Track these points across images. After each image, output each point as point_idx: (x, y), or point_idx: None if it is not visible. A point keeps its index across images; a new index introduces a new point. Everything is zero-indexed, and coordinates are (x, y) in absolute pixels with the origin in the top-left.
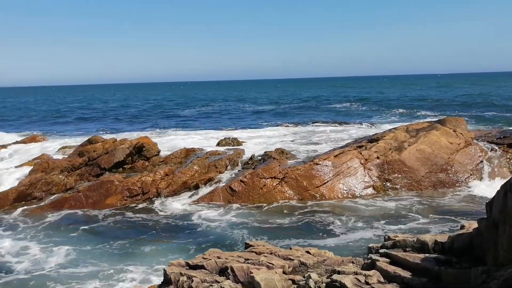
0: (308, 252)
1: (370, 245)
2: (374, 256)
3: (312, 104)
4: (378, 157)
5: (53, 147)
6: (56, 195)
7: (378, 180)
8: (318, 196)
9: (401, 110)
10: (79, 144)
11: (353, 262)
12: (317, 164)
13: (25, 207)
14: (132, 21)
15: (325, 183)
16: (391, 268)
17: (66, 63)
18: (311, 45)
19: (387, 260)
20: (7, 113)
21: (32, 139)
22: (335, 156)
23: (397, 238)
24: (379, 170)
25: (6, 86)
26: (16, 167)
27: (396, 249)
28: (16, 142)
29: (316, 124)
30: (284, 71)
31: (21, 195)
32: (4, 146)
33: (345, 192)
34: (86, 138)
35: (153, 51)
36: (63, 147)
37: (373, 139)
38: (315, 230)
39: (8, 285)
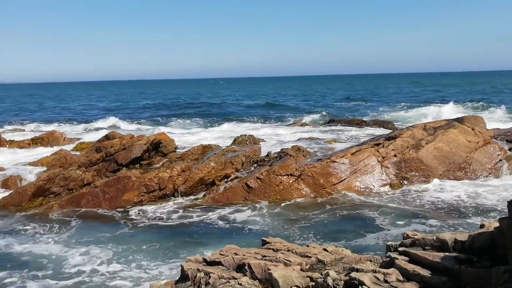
0: (325, 249)
1: (389, 243)
2: (392, 254)
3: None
4: (395, 155)
5: None
6: (73, 190)
7: (395, 178)
8: (334, 193)
9: None
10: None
11: (370, 260)
12: (334, 161)
13: (44, 202)
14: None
15: (342, 181)
16: (410, 267)
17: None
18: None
19: (406, 258)
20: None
21: (50, 135)
22: (352, 154)
23: (416, 237)
24: (396, 168)
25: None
26: (33, 162)
27: (415, 248)
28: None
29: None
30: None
31: (40, 190)
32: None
33: (362, 189)
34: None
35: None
36: (81, 143)
37: (390, 137)
38: (331, 227)
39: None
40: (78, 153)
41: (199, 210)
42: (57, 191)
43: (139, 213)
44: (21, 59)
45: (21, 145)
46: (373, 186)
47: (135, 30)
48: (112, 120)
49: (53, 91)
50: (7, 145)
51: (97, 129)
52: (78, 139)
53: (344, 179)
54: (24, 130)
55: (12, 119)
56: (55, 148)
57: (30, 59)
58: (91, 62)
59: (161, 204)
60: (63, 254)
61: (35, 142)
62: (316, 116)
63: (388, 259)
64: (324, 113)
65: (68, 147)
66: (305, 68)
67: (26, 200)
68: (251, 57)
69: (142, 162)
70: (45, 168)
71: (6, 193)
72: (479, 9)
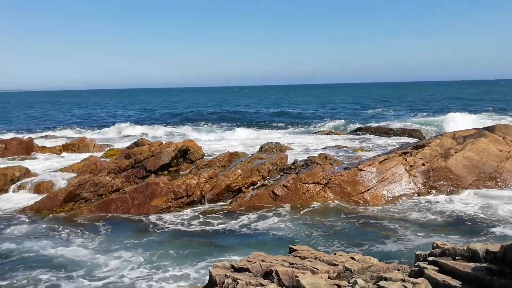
0: (352, 258)
1: (418, 252)
2: (422, 264)
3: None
4: (423, 164)
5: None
6: (103, 196)
7: (423, 187)
8: (361, 202)
9: None
10: None
11: (398, 269)
12: (361, 170)
13: (74, 207)
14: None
15: (369, 190)
16: (440, 277)
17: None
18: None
19: (436, 268)
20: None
21: (81, 141)
22: (380, 162)
23: (445, 246)
24: (424, 177)
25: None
26: (64, 168)
27: (444, 257)
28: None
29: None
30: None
31: (70, 195)
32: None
33: (389, 198)
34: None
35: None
36: (110, 150)
37: (418, 146)
38: (357, 235)
39: None
40: (107, 159)
41: (225, 217)
42: (87, 196)
43: (166, 219)
44: (48, 67)
45: (52, 151)
46: (401, 195)
47: (156, 40)
48: (139, 128)
49: (81, 98)
50: (39, 151)
51: (127, 136)
52: (108, 145)
53: (371, 187)
54: (55, 137)
55: (43, 125)
56: (85, 155)
57: (56, 67)
58: (115, 71)
59: (188, 210)
60: (93, 258)
61: (66, 148)
62: (342, 125)
63: (417, 268)
64: (350, 121)
65: (98, 154)
66: (325, 76)
67: (58, 205)
68: (268, 66)
69: (170, 169)
70: (75, 174)
71: (39, 198)
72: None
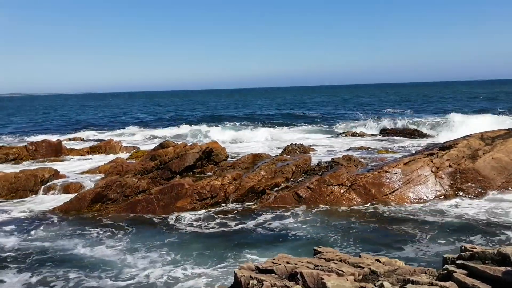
0: (378, 260)
1: (446, 255)
2: (450, 267)
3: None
4: (450, 165)
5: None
6: (129, 197)
7: (450, 189)
8: (386, 204)
9: None
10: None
11: (425, 273)
12: (386, 171)
13: (101, 207)
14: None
15: (394, 191)
16: (469, 280)
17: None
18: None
19: (465, 272)
20: None
21: (108, 143)
22: (405, 163)
23: (475, 250)
24: (451, 178)
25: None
26: (91, 169)
27: (474, 261)
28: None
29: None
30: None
31: (98, 196)
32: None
33: (415, 200)
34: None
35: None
36: (136, 151)
37: (444, 147)
38: (383, 238)
39: None
40: (133, 161)
41: (249, 218)
42: (114, 197)
43: (191, 219)
44: (76, 71)
45: (80, 153)
46: (427, 197)
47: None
48: (166, 130)
49: (107, 100)
50: (68, 153)
51: (153, 137)
52: (134, 147)
53: (397, 189)
54: (82, 139)
55: (71, 128)
56: (112, 156)
57: (82, 71)
58: (139, 73)
59: (212, 211)
60: (119, 257)
61: (93, 150)
62: (366, 125)
63: (445, 272)
64: (373, 122)
65: (124, 155)
66: (346, 77)
67: (85, 205)
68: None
69: (194, 170)
70: (102, 176)
71: (67, 199)
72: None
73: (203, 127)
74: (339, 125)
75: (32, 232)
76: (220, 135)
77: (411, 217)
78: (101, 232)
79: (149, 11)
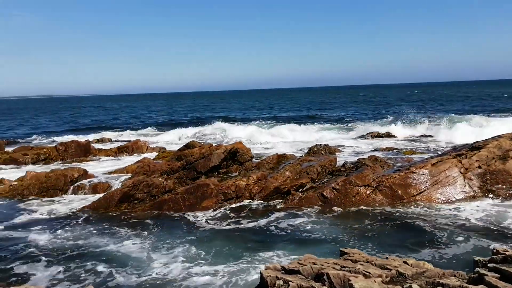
0: (405, 262)
1: (476, 258)
2: (481, 270)
3: None
4: (479, 166)
5: None
6: (156, 196)
7: (479, 190)
8: (413, 205)
9: None
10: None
11: (455, 276)
12: (413, 172)
13: (128, 207)
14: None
15: (421, 192)
16: (502, 284)
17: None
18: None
19: (497, 275)
20: None
21: (135, 144)
22: (433, 164)
23: (507, 253)
24: (480, 180)
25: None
26: (119, 169)
27: (506, 264)
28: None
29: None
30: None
31: (125, 196)
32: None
33: (442, 202)
34: None
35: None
36: (162, 152)
37: (474, 147)
38: (410, 240)
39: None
40: (160, 161)
41: (274, 218)
42: (141, 197)
43: (215, 218)
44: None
45: (108, 153)
46: (455, 198)
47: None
48: (191, 129)
49: (131, 102)
50: (96, 153)
51: (178, 138)
52: (160, 147)
53: (424, 190)
54: (110, 140)
55: (99, 128)
56: (136, 157)
57: (111, 73)
58: (161, 75)
59: (236, 210)
60: (144, 254)
61: (121, 150)
62: (391, 125)
63: (476, 275)
64: (398, 123)
65: (151, 155)
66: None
67: (113, 205)
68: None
69: (220, 171)
70: (130, 176)
71: (96, 198)
72: None
73: (227, 127)
74: (363, 126)
75: (62, 230)
76: (242, 134)
77: (439, 219)
78: (127, 230)
79: (170, 12)
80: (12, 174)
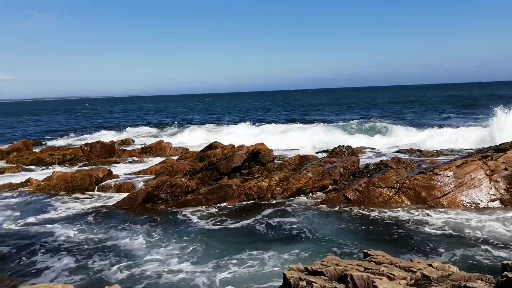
0: (430, 265)
1: (505, 262)
2: (510, 274)
3: None
4: (506, 168)
5: None
6: (179, 197)
7: (506, 193)
8: (437, 207)
9: None
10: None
11: (482, 279)
12: (437, 174)
13: (152, 207)
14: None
15: (445, 195)
16: None
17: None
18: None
19: None
20: None
21: (158, 144)
22: (457, 166)
23: None
24: (507, 182)
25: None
26: (143, 170)
27: None
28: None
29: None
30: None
31: (149, 196)
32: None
33: (467, 204)
34: None
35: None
36: (185, 152)
37: (500, 149)
38: (434, 243)
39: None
40: (183, 161)
41: (296, 220)
42: (165, 197)
43: (238, 219)
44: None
45: (132, 154)
46: (480, 201)
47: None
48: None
49: (157, 103)
50: (120, 154)
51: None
52: (184, 148)
53: (448, 192)
54: (133, 142)
55: (122, 129)
56: (155, 158)
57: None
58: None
59: (261, 211)
60: (165, 253)
61: (145, 151)
62: (412, 127)
63: (505, 279)
64: (421, 123)
65: (174, 156)
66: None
67: (137, 204)
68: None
69: (242, 171)
70: (153, 176)
71: (120, 198)
72: None
73: (250, 127)
74: (384, 127)
75: (85, 226)
76: (267, 135)
77: (464, 221)
78: (145, 228)
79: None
80: (39, 174)
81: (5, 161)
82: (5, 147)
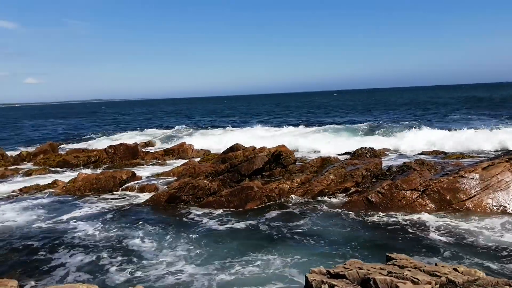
0: (455, 269)
1: None
2: None
3: None
4: None
5: None
6: (201, 198)
7: None
8: (463, 211)
9: None
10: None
11: (509, 285)
12: (462, 176)
13: (174, 209)
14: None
15: (471, 197)
16: None
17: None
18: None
19: None
20: None
21: (180, 146)
22: (483, 168)
23: None
24: None
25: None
26: (165, 172)
27: None
28: None
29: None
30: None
31: (171, 198)
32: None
33: (494, 208)
34: None
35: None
36: (207, 154)
37: None
38: (459, 247)
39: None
40: (205, 163)
41: (318, 222)
42: (187, 198)
43: (260, 220)
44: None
45: (155, 156)
46: (508, 204)
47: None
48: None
49: (182, 105)
50: (143, 156)
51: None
52: (205, 150)
53: (474, 195)
54: (156, 144)
55: (146, 131)
56: (177, 160)
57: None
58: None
59: (281, 212)
60: (180, 253)
61: (167, 153)
62: (431, 128)
63: None
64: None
65: (196, 158)
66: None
67: (160, 206)
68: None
69: (263, 173)
70: (176, 178)
71: (143, 199)
72: None
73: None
74: (406, 129)
75: (107, 225)
76: (288, 137)
77: (490, 225)
78: (168, 228)
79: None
80: (65, 176)
81: (32, 163)
82: (33, 149)
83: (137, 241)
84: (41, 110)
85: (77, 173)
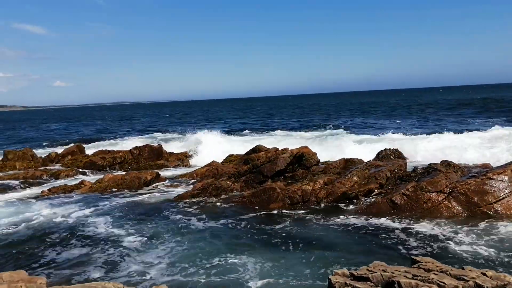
0: (484, 274)
1: None
2: None
3: None
4: None
5: None
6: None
7: None
8: (491, 214)
9: None
10: None
11: None
12: (490, 178)
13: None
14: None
15: (500, 200)
16: None
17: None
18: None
19: None
20: None
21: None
22: None
23: None
24: None
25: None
26: (189, 173)
27: None
28: None
29: None
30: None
31: (194, 198)
32: None
33: None
34: None
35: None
36: (230, 155)
37: None
38: (487, 250)
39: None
40: (228, 164)
41: (341, 224)
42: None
43: (280, 222)
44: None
45: (179, 157)
46: None
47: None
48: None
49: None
50: (168, 157)
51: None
52: (228, 151)
53: (503, 198)
54: (178, 145)
55: (166, 133)
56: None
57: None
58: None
59: (301, 213)
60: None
61: (191, 154)
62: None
63: None
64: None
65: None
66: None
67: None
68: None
69: (286, 175)
70: (199, 178)
71: (168, 200)
72: None
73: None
74: (431, 131)
75: (133, 222)
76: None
77: None
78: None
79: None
80: (91, 177)
81: (60, 164)
82: (61, 150)
83: (167, 241)
84: (67, 112)
85: (103, 173)
